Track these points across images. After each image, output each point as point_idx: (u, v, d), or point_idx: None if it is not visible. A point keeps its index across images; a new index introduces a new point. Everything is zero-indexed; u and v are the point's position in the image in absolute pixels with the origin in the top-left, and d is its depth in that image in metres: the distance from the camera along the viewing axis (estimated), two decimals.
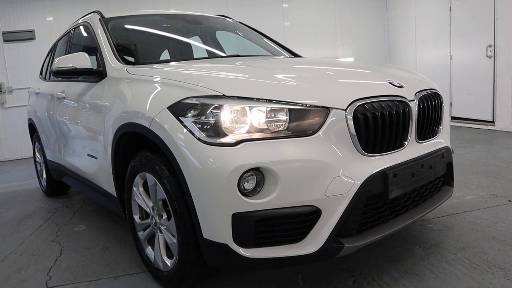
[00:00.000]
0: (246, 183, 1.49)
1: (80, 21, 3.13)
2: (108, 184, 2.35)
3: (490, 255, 2.01)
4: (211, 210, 1.52)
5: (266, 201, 1.48)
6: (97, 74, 2.43)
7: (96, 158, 2.45)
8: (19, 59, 6.75)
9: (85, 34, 3.00)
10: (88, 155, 2.57)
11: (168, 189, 1.70)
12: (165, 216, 1.85)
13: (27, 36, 6.65)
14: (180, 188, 1.66)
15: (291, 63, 2.33)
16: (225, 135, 1.52)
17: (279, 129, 1.54)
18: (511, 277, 1.79)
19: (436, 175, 1.94)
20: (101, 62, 2.44)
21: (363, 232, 1.67)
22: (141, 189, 1.99)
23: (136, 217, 2.10)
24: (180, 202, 1.66)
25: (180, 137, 1.58)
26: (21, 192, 4.34)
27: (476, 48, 5.89)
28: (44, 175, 3.99)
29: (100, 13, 2.90)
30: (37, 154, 4.16)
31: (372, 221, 1.71)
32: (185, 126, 1.58)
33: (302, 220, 1.53)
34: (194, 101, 1.61)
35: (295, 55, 3.30)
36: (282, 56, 3.14)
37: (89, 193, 2.90)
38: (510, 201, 2.75)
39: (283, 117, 1.54)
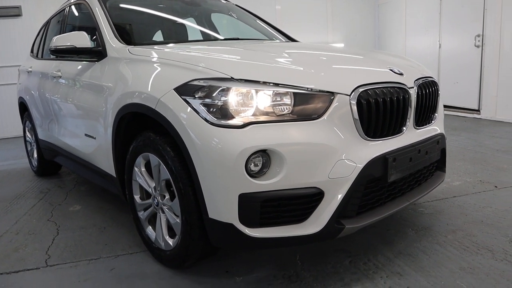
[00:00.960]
0: (252, 164, 1.52)
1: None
2: (106, 164, 2.36)
3: (479, 238, 2.10)
4: (218, 190, 1.55)
5: (272, 182, 1.52)
6: (96, 53, 2.40)
7: (95, 138, 2.44)
8: (5, 36, 6.54)
9: (81, 12, 2.94)
10: (86, 135, 2.56)
11: (173, 169, 1.72)
12: (167, 196, 1.88)
13: (14, 12, 6.43)
14: (185, 169, 1.69)
15: (291, 48, 2.34)
16: (232, 117, 1.54)
17: (285, 112, 1.57)
18: (498, 258, 1.89)
19: (431, 161, 2.01)
20: (100, 41, 2.41)
21: (362, 214, 1.73)
22: (143, 169, 2.00)
23: (137, 197, 2.12)
24: (184, 183, 1.69)
25: (187, 119, 1.60)
26: (11, 172, 4.28)
27: (465, 37, 5.98)
28: (35, 155, 3.95)
29: None
30: (28, 134, 4.10)
31: (371, 203, 1.77)
32: (193, 108, 1.59)
33: (305, 201, 1.58)
34: (201, 83, 1.62)
35: (291, 39, 3.31)
36: (278, 40, 3.15)
37: (84, 173, 2.89)
38: (496, 187, 2.87)
39: (289, 100, 1.57)
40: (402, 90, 1.82)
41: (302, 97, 1.58)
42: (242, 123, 1.53)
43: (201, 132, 1.56)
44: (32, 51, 4.07)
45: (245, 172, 1.50)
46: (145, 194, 2.09)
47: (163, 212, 1.93)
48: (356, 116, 1.63)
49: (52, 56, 3.26)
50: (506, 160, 3.56)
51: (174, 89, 1.67)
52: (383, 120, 1.73)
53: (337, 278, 1.81)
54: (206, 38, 3.19)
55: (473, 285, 1.69)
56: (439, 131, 2.12)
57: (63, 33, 3.08)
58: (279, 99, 1.56)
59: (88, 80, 2.45)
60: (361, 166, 1.62)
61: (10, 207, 3.10)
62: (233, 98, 1.55)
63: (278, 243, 1.61)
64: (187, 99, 1.62)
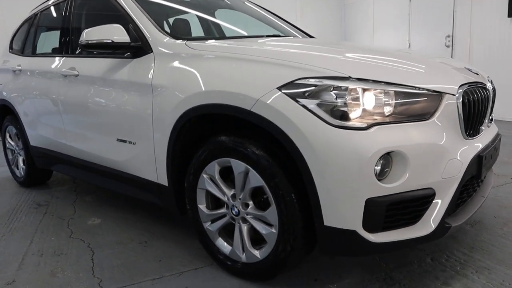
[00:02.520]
0: (378, 167, 1.44)
1: None
2: (151, 172, 2.13)
3: None
4: (340, 196, 1.45)
5: (397, 185, 1.46)
6: (134, 49, 2.15)
7: (134, 143, 2.20)
8: None
9: (95, 4, 2.63)
10: (119, 140, 2.29)
11: (271, 176, 1.59)
12: (251, 205, 1.73)
13: None
14: (286, 175, 1.56)
15: (365, 48, 2.20)
16: (354, 118, 1.45)
17: (404, 113, 1.51)
18: None
19: (497, 157, 2.08)
20: (138, 36, 2.16)
21: (458, 212, 1.74)
22: (217, 176, 1.82)
23: (202, 207, 1.94)
24: (287, 190, 1.57)
25: (301, 120, 1.47)
26: None
27: (435, 37, 6.35)
28: (21, 164, 3.50)
29: None
30: (9, 140, 3.62)
31: (464, 201, 1.78)
32: (307, 108, 1.47)
33: (421, 203, 1.54)
34: (312, 81, 1.50)
35: (309, 35, 3.25)
36: (300, 37, 3.05)
37: (102, 182, 2.61)
38: None
39: (407, 101, 1.52)
40: (484, 89, 1.85)
41: (418, 98, 1.53)
42: (366, 124, 1.44)
43: (320, 135, 1.44)
44: (11, 48, 3.60)
45: (374, 176, 1.42)
46: (214, 204, 1.92)
47: (245, 222, 1.78)
48: (461, 115, 1.63)
49: (53, 53, 2.91)
50: (502, 153, 3.82)
51: (277, 88, 1.54)
52: (477, 118, 1.75)
53: (431, 276, 1.79)
54: (239, 34, 2.95)
55: None
56: (497, 129, 2.19)
57: (71, 28, 2.78)
58: (400, 99, 1.50)
59: (126, 79, 2.18)
60: (466, 164, 1.62)
61: (11, 224, 2.70)
62: (354, 98, 1.46)
63: (394, 246, 1.55)
64: (297, 99, 1.50)
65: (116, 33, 2.11)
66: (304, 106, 1.48)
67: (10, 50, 3.61)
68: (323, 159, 1.44)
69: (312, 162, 1.47)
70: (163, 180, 2.08)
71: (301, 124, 1.47)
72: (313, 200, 1.51)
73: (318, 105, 1.47)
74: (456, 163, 1.58)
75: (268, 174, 1.60)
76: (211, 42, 2.08)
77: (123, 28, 2.13)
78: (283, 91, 1.53)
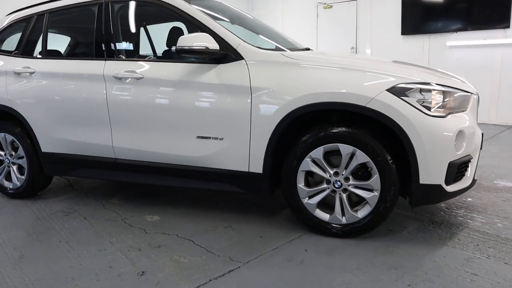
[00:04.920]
0: (455, 141, 2.20)
1: None
2: (241, 163, 2.48)
3: None
4: (433, 161, 2.15)
5: (461, 152, 2.24)
6: (222, 55, 2.47)
7: (221, 139, 2.50)
8: None
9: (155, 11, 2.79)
10: (200, 137, 2.55)
11: (377, 153, 2.20)
12: (351, 179, 2.30)
13: None
14: (383, 151, 2.20)
15: (398, 62, 2.91)
16: (437, 110, 2.18)
17: (459, 106, 2.30)
18: None
19: None
20: (224, 45, 2.47)
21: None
22: (322, 159, 2.33)
23: (301, 186, 2.40)
24: (386, 162, 2.20)
25: (407, 112, 2.12)
26: None
27: (341, 47, 7.65)
28: (17, 173, 3.25)
29: None
30: None
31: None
32: (408, 103, 2.13)
33: (467, 164, 2.35)
34: (407, 85, 2.17)
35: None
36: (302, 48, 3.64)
37: (162, 180, 2.78)
38: None
39: (459, 98, 2.31)
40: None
41: (464, 96, 2.34)
42: (445, 114, 2.19)
43: (420, 121, 2.12)
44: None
45: (453, 147, 2.17)
46: (313, 182, 2.42)
47: (345, 192, 2.33)
48: (477, 107, 2.51)
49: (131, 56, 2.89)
50: None
51: (386, 90, 2.16)
52: None
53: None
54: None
55: None
56: None
57: (115, 32, 2.87)
58: (457, 98, 2.28)
59: (215, 81, 2.46)
60: (480, 138, 2.51)
61: (63, 235, 2.63)
62: (436, 96, 2.18)
63: (456, 194, 2.33)
64: (401, 97, 2.14)
65: (209, 41, 2.40)
66: (406, 101, 2.14)
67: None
68: (422, 137, 2.13)
69: (414, 139, 2.14)
70: (257, 169, 2.46)
71: (406, 113, 2.13)
72: (413, 166, 2.17)
73: (417, 101, 2.15)
74: (478, 138, 2.45)
75: (373, 152, 2.21)
76: (299, 53, 2.55)
77: (211, 37, 2.43)
78: (390, 92, 2.16)
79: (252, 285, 1.94)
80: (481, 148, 2.53)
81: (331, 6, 7.74)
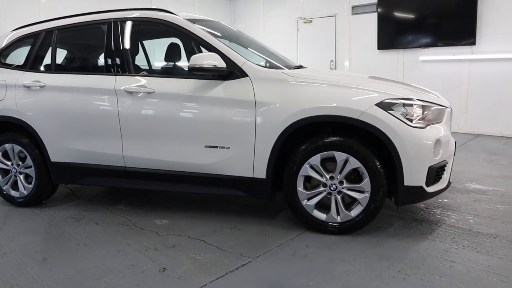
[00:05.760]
0: (433, 149, 2.55)
1: (139, 16, 3.11)
2: (246, 169, 2.76)
3: None
4: (415, 166, 2.49)
5: (438, 158, 2.59)
6: (227, 73, 2.75)
7: (228, 148, 2.77)
8: None
9: (159, 31, 3.08)
10: (209, 146, 2.81)
11: (367, 159, 2.52)
12: (345, 182, 2.62)
13: None
14: (375, 157, 2.53)
15: (373, 77, 3.25)
16: (418, 121, 2.53)
17: (435, 118, 2.66)
18: None
19: None
20: (229, 63, 2.75)
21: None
22: (318, 165, 2.63)
23: (301, 189, 2.70)
24: (376, 167, 2.53)
25: (393, 123, 2.46)
26: None
27: (321, 61, 8.06)
28: (24, 182, 3.40)
29: (169, 11, 3.04)
30: (2, 159, 3.44)
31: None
32: (395, 117, 2.47)
33: (443, 168, 2.71)
34: (393, 101, 2.51)
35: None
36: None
37: (170, 186, 3.02)
38: None
39: (435, 112, 2.66)
40: None
41: (440, 110, 2.71)
42: (424, 125, 2.54)
43: (404, 131, 2.46)
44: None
45: (432, 153, 2.52)
46: (310, 186, 2.72)
47: (339, 194, 2.65)
48: (450, 119, 2.89)
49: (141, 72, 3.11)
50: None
51: (375, 105, 2.49)
52: None
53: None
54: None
55: None
56: None
57: (124, 49, 3.10)
58: (434, 111, 2.64)
59: (222, 96, 2.74)
60: (453, 146, 2.88)
61: (87, 240, 2.82)
62: (416, 110, 2.54)
63: (435, 194, 2.68)
64: (388, 111, 2.48)
65: (216, 59, 2.69)
66: (392, 114, 2.48)
67: (3, 65, 3.44)
68: (406, 145, 2.47)
69: (400, 147, 2.48)
70: (260, 174, 2.75)
71: (392, 124, 2.47)
72: (398, 170, 2.51)
73: (401, 114, 2.50)
74: (452, 145, 2.83)
75: (364, 159, 2.54)
76: (297, 71, 2.87)
77: (219, 56, 2.72)
78: (378, 106, 2.49)
79: (265, 276, 2.21)
80: (454, 155, 2.90)
81: (311, 21, 8.17)
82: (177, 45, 3.41)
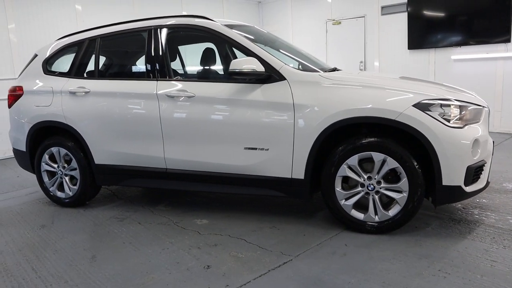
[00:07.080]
0: (472, 148, 2.55)
1: (179, 22, 3.25)
2: (285, 170, 2.83)
3: None
4: (453, 166, 2.49)
5: (477, 158, 2.59)
6: (266, 77, 2.84)
7: (267, 149, 2.85)
8: None
9: (195, 36, 3.20)
10: (248, 148, 2.90)
11: (405, 159, 2.55)
12: (383, 182, 2.65)
13: None
14: (410, 157, 2.54)
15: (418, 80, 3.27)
16: (456, 122, 2.54)
17: (473, 118, 2.65)
18: None
19: None
20: (267, 67, 2.83)
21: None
22: (356, 165, 2.67)
23: (339, 189, 2.75)
24: (414, 167, 2.55)
25: (431, 124, 2.48)
26: (29, 208, 3.63)
27: (350, 62, 8.04)
28: (69, 184, 3.60)
29: (207, 18, 3.16)
30: (49, 162, 3.66)
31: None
32: (432, 116, 2.49)
33: (482, 168, 2.70)
34: (430, 101, 2.53)
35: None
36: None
37: (210, 187, 3.12)
38: None
39: (474, 112, 2.66)
40: None
41: (478, 110, 2.70)
42: (462, 125, 2.55)
43: (442, 132, 2.48)
44: (48, 70, 3.65)
45: (470, 153, 2.52)
46: (348, 186, 2.76)
47: (377, 194, 2.68)
48: (488, 118, 2.87)
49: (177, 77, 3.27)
50: None
51: (412, 106, 2.52)
52: None
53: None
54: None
55: None
56: None
57: (165, 55, 3.23)
58: (472, 111, 2.64)
59: (261, 99, 2.82)
60: (492, 146, 2.86)
61: (131, 238, 2.96)
62: (454, 110, 2.55)
63: (473, 194, 2.67)
64: (425, 111, 2.50)
65: (256, 64, 2.78)
66: (429, 115, 2.50)
67: (49, 73, 3.66)
68: (444, 145, 2.48)
69: (438, 147, 2.49)
70: (299, 175, 2.81)
71: (430, 125, 2.49)
72: (436, 170, 2.52)
73: (438, 114, 2.51)
74: (490, 145, 2.81)
75: (401, 159, 2.56)
76: (332, 74, 2.93)
77: (257, 60, 2.81)
78: (416, 107, 2.52)
79: (306, 274, 2.27)
80: (492, 154, 2.88)
81: (340, 22, 8.17)
82: (212, 50, 3.53)
